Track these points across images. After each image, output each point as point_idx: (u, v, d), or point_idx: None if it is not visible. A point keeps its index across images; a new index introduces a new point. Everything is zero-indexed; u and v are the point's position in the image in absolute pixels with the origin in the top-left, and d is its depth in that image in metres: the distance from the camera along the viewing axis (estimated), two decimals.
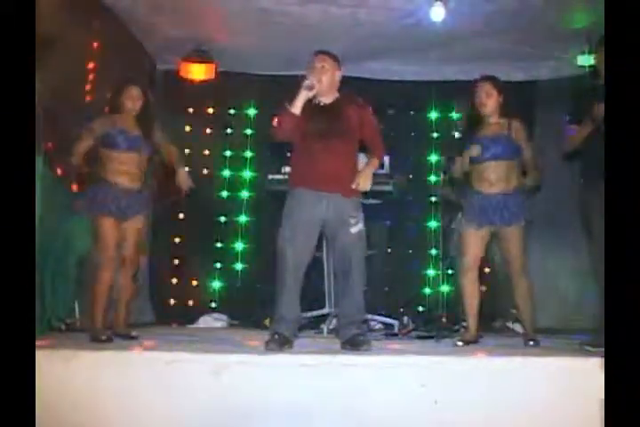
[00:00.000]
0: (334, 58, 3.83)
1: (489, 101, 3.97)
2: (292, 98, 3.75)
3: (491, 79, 4.02)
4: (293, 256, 3.66)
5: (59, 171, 4.33)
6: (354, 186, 3.72)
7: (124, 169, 4.00)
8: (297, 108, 3.68)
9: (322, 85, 3.75)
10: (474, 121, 4.06)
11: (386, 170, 4.99)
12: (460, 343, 3.93)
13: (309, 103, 3.77)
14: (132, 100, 4.07)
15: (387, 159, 5.03)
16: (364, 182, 3.75)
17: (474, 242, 3.99)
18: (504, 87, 4.02)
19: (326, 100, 3.83)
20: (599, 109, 3.40)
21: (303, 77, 3.73)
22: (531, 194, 4.24)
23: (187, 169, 4.36)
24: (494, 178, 3.93)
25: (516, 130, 3.97)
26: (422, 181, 6.14)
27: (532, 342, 3.90)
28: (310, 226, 3.72)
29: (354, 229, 3.71)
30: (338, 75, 3.84)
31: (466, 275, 4.01)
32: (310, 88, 3.68)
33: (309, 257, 3.75)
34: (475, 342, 4.00)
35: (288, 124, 3.71)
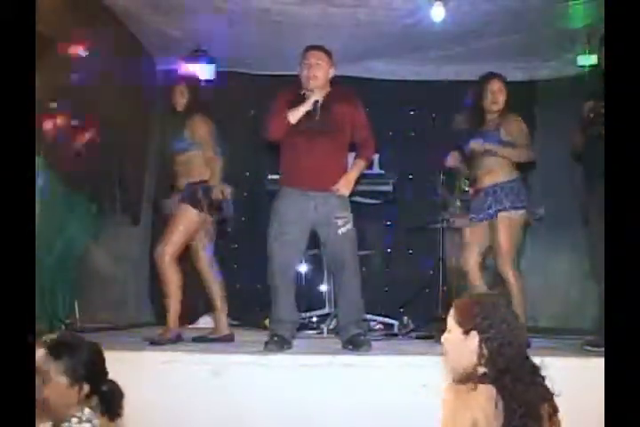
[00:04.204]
0: (328, 53, 3.79)
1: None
2: (287, 93, 3.75)
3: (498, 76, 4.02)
4: (281, 257, 3.64)
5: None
6: (334, 189, 3.70)
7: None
8: (295, 119, 3.67)
9: (318, 82, 3.73)
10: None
11: (384, 170, 4.98)
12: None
13: (301, 98, 3.74)
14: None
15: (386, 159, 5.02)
16: (345, 187, 3.71)
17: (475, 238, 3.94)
18: None
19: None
20: (586, 109, 3.44)
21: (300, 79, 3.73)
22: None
23: None
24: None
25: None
26: (422, 180, 6.12)
27: None
28: (298, 226, 3.67)
29: (341, 231, 3.67)
30: (331, 71, 3.81)
31: (470, 275, 3.91)
32: (316, 103, 3.67)
33: (299, 257, 3.74)
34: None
35: (282, 130, 3.71)
